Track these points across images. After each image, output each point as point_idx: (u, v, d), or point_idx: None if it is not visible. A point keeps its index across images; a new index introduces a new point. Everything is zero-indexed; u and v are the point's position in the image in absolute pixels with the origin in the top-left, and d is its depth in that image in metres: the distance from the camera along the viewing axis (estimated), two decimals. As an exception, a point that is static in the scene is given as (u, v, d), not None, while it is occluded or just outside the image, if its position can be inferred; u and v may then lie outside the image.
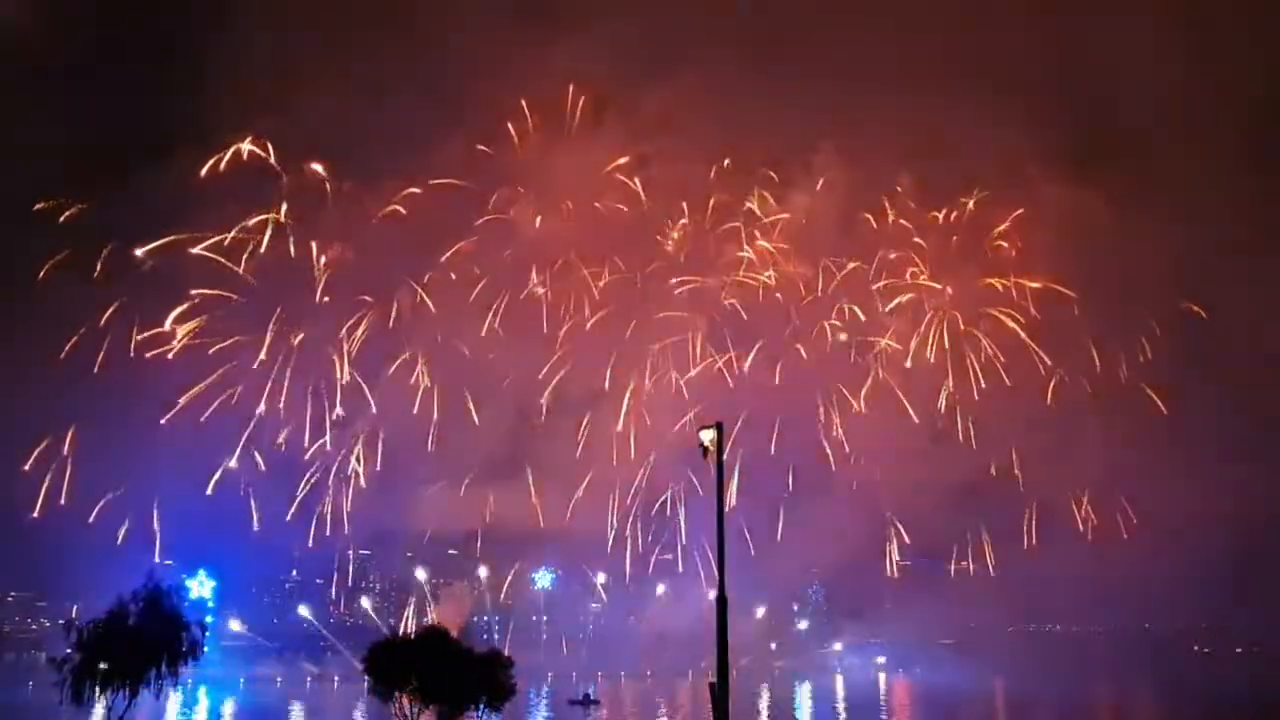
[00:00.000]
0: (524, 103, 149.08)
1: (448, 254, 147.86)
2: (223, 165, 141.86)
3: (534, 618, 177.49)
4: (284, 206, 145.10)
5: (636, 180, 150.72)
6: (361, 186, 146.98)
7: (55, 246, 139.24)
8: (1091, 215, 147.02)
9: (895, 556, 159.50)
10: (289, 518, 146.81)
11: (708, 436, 42.79)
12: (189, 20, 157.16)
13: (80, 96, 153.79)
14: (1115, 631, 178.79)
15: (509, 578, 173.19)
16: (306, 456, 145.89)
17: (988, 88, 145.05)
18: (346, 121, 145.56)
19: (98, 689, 48.09)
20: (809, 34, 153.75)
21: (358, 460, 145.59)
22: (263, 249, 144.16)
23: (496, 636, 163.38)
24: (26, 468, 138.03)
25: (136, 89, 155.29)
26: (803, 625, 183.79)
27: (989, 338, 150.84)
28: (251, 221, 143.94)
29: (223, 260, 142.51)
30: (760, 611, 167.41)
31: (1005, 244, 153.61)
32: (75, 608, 67.26)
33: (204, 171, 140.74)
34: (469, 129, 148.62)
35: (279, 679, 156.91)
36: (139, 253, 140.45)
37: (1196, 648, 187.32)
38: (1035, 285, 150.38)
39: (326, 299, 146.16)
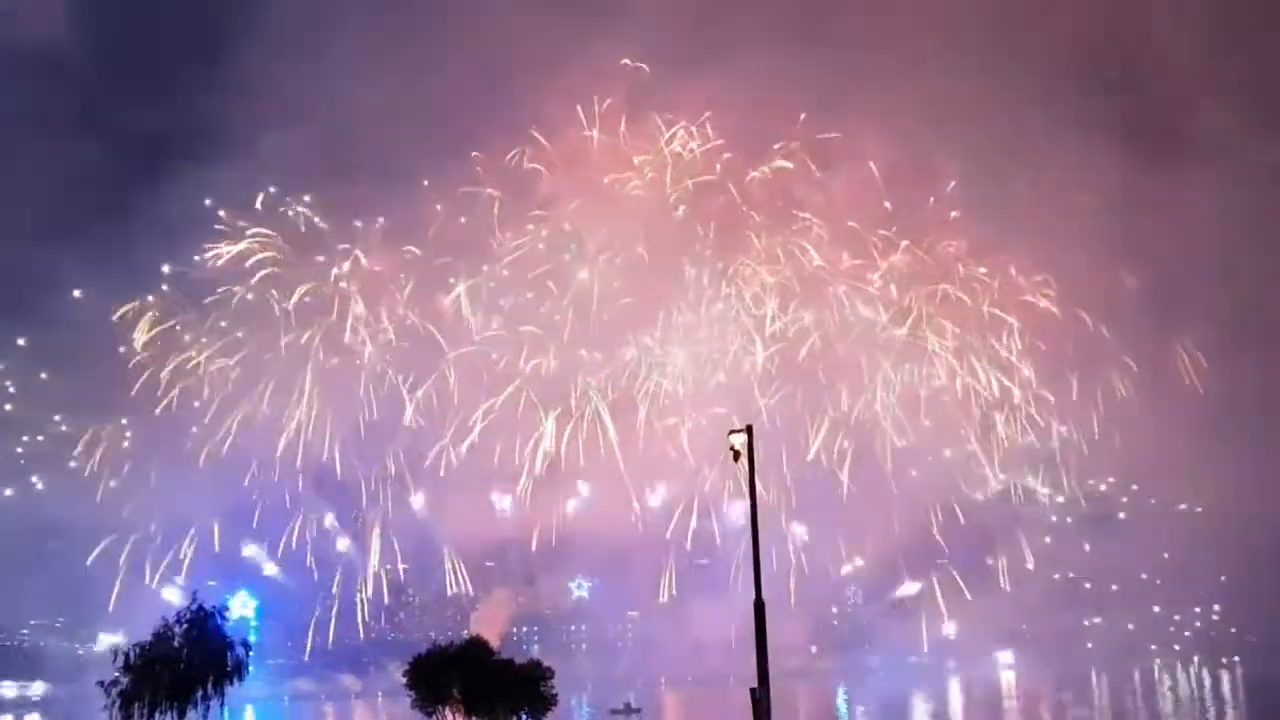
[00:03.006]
0: (563, 94, 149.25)
1: (487, 256, 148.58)
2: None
3: (572, 626, 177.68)
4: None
5: (675, 176, 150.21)
6: (398, 191, 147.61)
7: (83, 269, 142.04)
8: (1140, 190, 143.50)
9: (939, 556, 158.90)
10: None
11: (738, 440, 42.90)
12: (217, 19, 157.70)
13: (104, 102, 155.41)
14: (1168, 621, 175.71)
15: (547, 587, 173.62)
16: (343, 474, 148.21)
17: (1037, 64, 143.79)
18: (379, 122, 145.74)
19: (146, 712, 48.58)
20: (852, 9, 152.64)
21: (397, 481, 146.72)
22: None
23: (536, 646, 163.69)
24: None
25: (165, 92, 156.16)
26: (843, 626, 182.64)
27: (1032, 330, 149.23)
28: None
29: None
30: (800, 615, 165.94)
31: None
32: (121, 631, 68.00)
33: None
34: (508, 126, 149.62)
35: (322, 695, 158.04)
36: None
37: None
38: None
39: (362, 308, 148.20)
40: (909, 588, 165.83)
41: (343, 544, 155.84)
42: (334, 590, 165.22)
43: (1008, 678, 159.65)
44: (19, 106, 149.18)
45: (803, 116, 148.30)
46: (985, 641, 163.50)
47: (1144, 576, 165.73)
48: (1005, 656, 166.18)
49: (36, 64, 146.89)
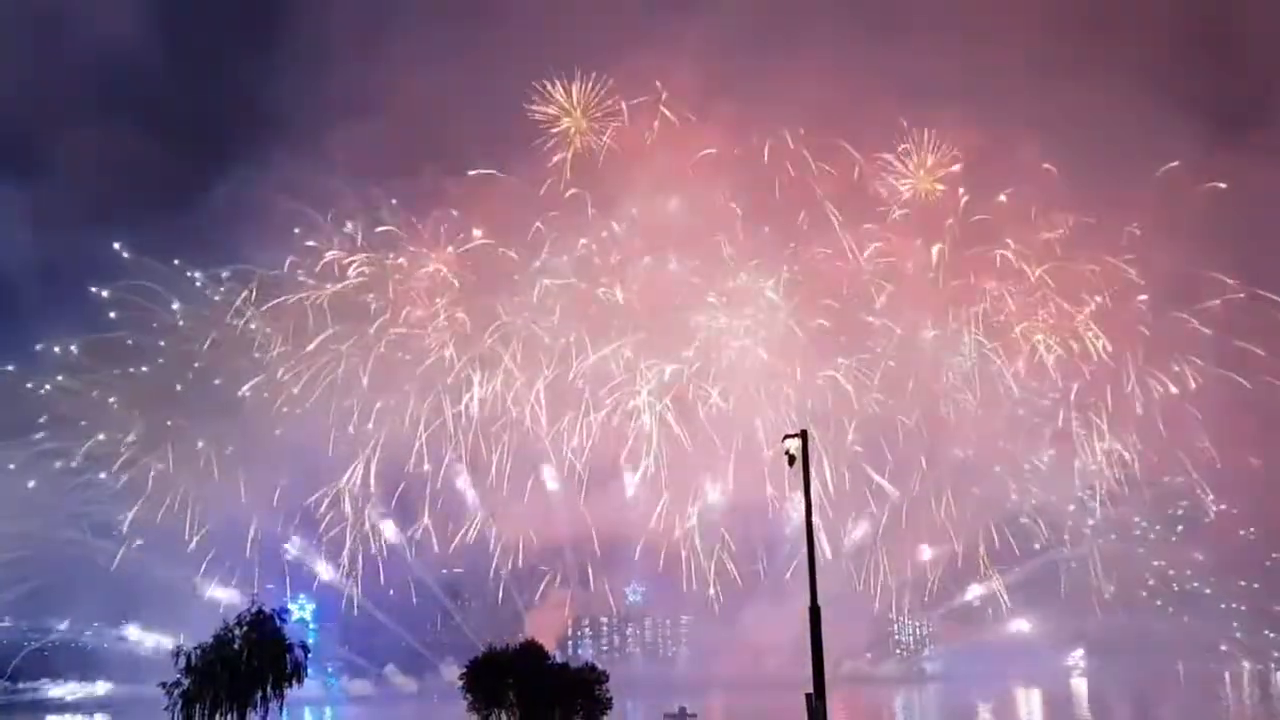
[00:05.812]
0: (630, 84, 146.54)
1: (554, 251, 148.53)
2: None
3: (628, 630, 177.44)
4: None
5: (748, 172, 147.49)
6: (462, 183, 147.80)
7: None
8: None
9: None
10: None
11: (793, 445, 42.48)
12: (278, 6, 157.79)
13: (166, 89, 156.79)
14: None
15: (602, 591, 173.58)
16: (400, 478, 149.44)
17: (1127, 50, 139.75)
18: (441, 112, 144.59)
19: (206, 713, 49.21)
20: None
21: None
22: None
23: (591, 650, 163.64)
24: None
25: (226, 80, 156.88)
26: (903, 631, 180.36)
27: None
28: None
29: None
30: (858, 619, 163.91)
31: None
32: (182, 634, 68.89)
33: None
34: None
35: (379, 697, 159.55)
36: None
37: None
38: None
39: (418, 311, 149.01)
40: (974, 590, 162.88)
41: (399, 547, 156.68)
42: (391, 593, 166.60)
43: (1079, 684, 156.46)
44: (82, 92, 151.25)
45: (890, 110, 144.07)
46: (1056, 644, 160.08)
47: (1223, 577, 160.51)
48: (1077, 660, 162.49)
49: (100, 50, 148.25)
